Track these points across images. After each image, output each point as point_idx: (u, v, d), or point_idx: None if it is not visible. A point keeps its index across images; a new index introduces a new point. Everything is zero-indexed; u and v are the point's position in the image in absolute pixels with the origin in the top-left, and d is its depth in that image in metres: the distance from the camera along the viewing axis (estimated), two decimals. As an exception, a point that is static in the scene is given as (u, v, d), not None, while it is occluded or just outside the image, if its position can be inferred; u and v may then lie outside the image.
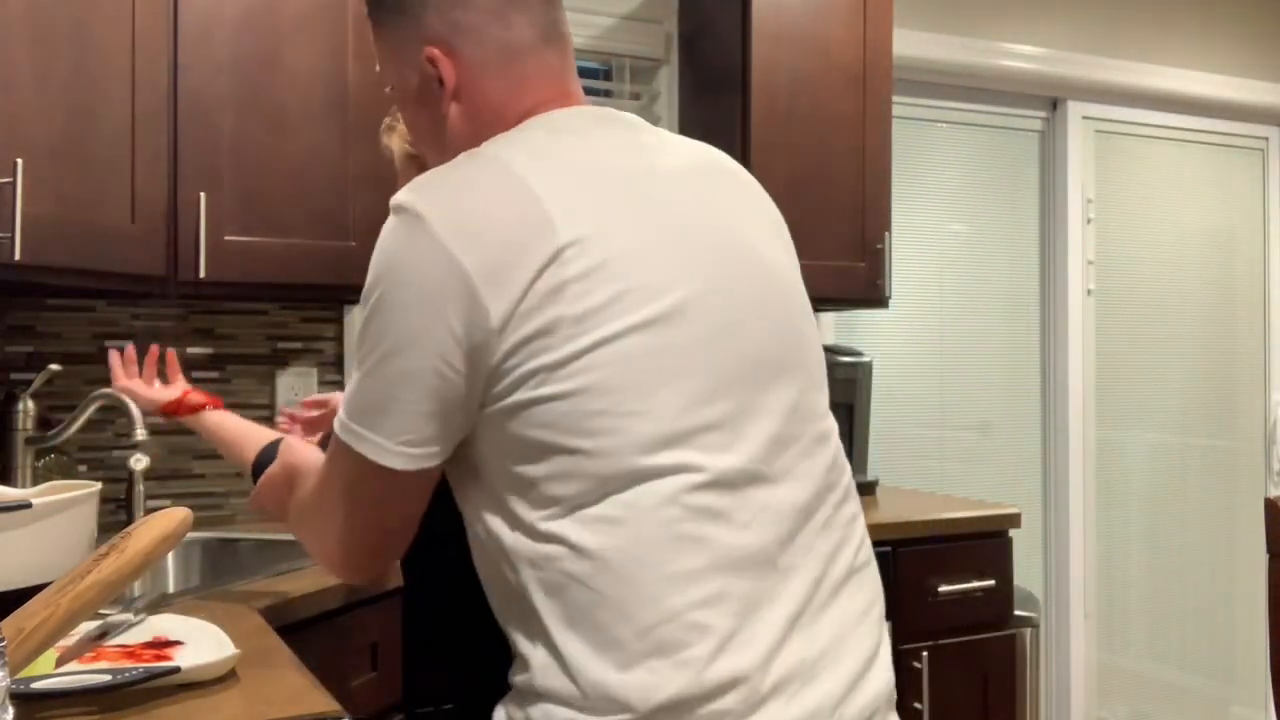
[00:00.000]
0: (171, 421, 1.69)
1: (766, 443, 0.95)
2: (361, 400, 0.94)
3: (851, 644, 0.97)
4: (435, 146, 1.08)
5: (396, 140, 1.48)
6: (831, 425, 1.05)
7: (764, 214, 1.10)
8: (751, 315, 0.98)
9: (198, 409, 1.63)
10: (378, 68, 1.12)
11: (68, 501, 1.29)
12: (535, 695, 0.92)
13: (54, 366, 1.98)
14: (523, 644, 0.94)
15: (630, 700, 0.87)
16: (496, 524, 0.94)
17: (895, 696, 1.03)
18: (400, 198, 0.93)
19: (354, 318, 2.39)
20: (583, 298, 0.89)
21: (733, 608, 0.89)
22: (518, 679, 0.95)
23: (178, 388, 1.69)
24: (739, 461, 0.93)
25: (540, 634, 0.91)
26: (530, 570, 0.91)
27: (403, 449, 0.92)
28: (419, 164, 1.40)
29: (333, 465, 0.99)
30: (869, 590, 1.02)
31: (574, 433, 0.89)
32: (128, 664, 1.10)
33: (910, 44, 2.95)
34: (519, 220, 0.91)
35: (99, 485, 1.40)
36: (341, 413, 0.96)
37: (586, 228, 0.91)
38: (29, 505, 1.23)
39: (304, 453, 1.17)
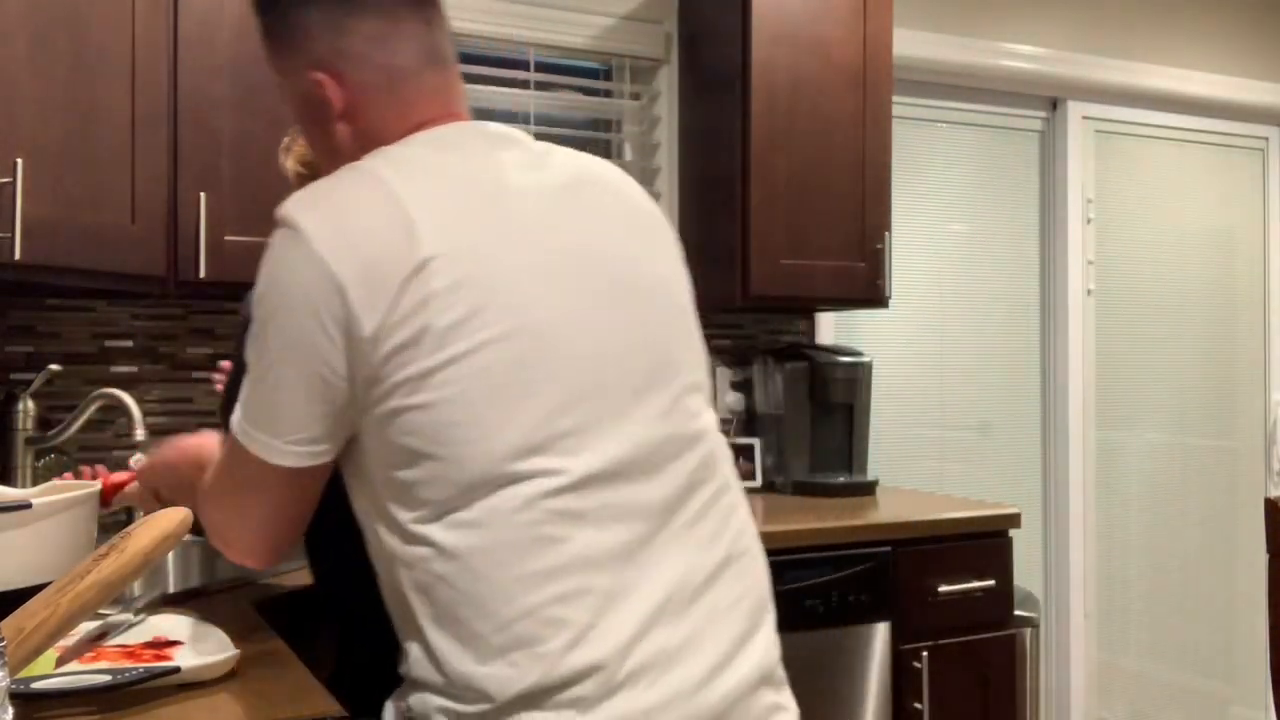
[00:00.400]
0: (172, 422, 1.68)
1: (630, 447, 1.00)
2: (254, 402, 1.01)
3: (720, 631, 1.01)
4: (328, 162, 1.14)
5: (291, 160, 1.55)
6: (706, 425, 1.10)
7: (638, 220, 1.14)
8: (616, 327, 1.03)
9: (121, 485, 1.53)
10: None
11: (68, 501, 1.29)
12: (413, 685, 1.01)
13: (54, 367, 1.98)
14: (403, 637, 1.03)
15: (490, 690, 0.94)
16: (379, 525, 1.01)
17: (779, 675, 1.10)
18: (282, 211, 1.00)
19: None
20: (446, 311, 0.95)
21: (591, 603, 0.95)
22: (401, 669, 1.03)
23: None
24: (598, 465, 0.98)
25: (415, 629, 0.99)
26: (405, 570, 0.99)
27: (292, 448, 1.00)
28: (310, 182, 1.46)
29: (229, 461, 1.06)
30: (747, 579, 1.07)
31: (437, 441, 0.95)
32: (128, 664, 1.10)
33: (910, 44, 2.95)
34: (388, 231, 0.96)
35: (99, 485, 1.40)
36: (237, 414, 1.03)
37: (452, 242, 0.97)
38: (29, 505, 1.23)
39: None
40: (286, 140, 1.58)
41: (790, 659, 2.10)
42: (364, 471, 1.02)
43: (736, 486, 1.11)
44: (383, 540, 1.01)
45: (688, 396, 1.08)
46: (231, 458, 1.05)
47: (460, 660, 0.95)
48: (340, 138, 1.11)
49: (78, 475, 1.67)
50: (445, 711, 0.97)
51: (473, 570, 0.95)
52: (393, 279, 0.94)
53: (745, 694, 1.02)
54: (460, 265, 0.96)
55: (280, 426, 0.99)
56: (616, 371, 1.02)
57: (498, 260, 0.99)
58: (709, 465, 1.07)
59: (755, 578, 1.08)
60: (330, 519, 1.30)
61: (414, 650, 1.00)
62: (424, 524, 0.97)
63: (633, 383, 1.03)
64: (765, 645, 1.07)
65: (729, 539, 1.06)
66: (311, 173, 1.45)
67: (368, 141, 1.09)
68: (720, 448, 1.11)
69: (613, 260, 1.07)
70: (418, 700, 0.99)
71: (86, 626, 1.22)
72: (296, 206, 1.00)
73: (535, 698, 0.93)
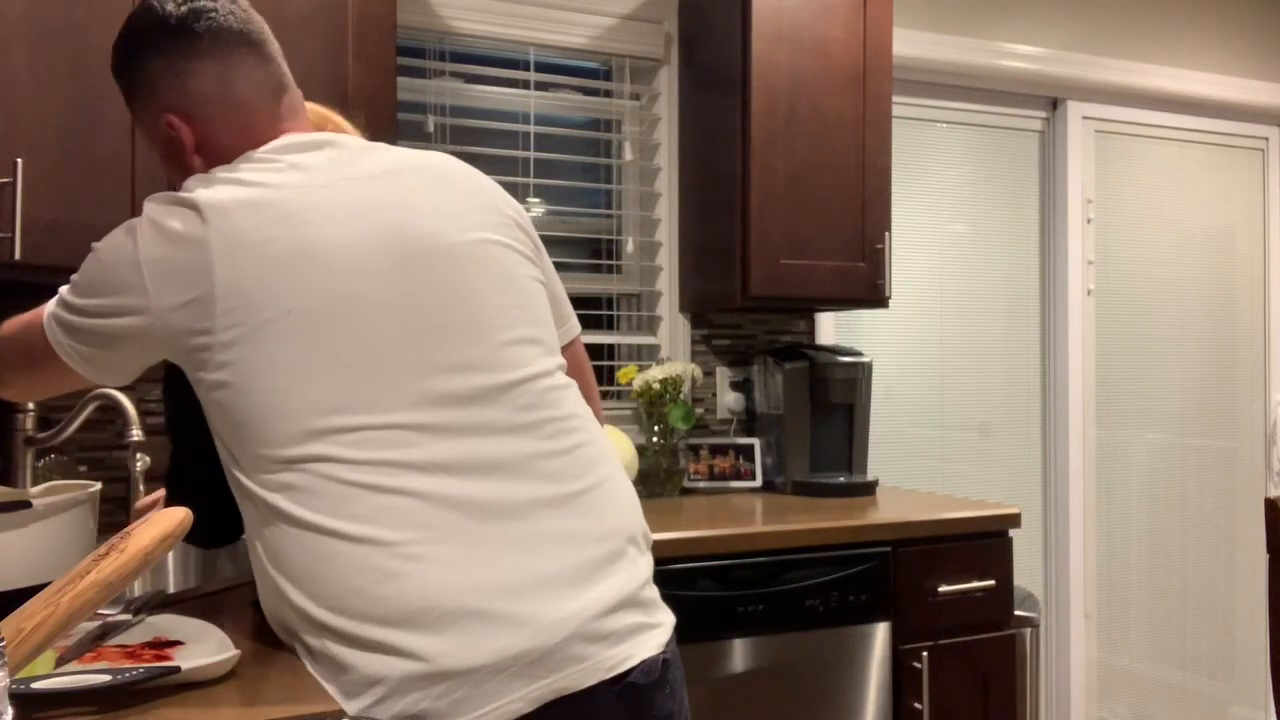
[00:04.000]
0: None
1: (434, 400, 1.12)
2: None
3: (570, 557, 1.12)
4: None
5: None
6: (533, 371, 1.20)
7: (452, 199, 1.24)
8: (411, 293, 1.14)
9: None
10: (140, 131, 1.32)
11: (68, 501, 1.29)
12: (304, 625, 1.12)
13: None
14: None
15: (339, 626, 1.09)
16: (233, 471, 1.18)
17: (643, 597, 1.19)
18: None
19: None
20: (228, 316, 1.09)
21: (423, 536, 1.07)
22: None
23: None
24: (406, 420, 1.10)
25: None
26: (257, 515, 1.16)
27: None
28: None
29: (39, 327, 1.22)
30: (598, 511, 1.18)
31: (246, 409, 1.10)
32: (128, 664, 1.10)
33: (910, 44, 2.95)
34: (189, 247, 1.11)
35: (99, 485, 1.40)
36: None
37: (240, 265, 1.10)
38: (29, 505, 1.23)
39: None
40: None
41: (790, 659, 2.11)
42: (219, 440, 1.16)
43: (586, 424, 1.23)
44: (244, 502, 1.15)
45: (509, 349, 1.19)
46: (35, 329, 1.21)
47: (301, 604, 1.08)
48: (196, 169, 1.23)
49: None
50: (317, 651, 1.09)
51: (302, 525, 1.08)
52: (180, 267, 1.10)
53: (600, 615, 1.11)
54: (240, 291, 1.09)
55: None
56: (413, 331, 1.13)
57: (302, 240, 1.11)
58: (536, 407, 1.18)
59: (603, 512, 1.18)
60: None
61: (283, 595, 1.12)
62: (250, 477, 1.10)
63: (442, 338, 1.14)
64: (628, 572, 1.17)
65: (572, 475, 1.17)
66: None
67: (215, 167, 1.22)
68: (558, 390, 1.22)
69: (414, 235, 1.17)
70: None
71: (86, 626, 1.22)
72: (134, 220, 1.16)
73: (375, 625, 1.05)
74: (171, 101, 1.23)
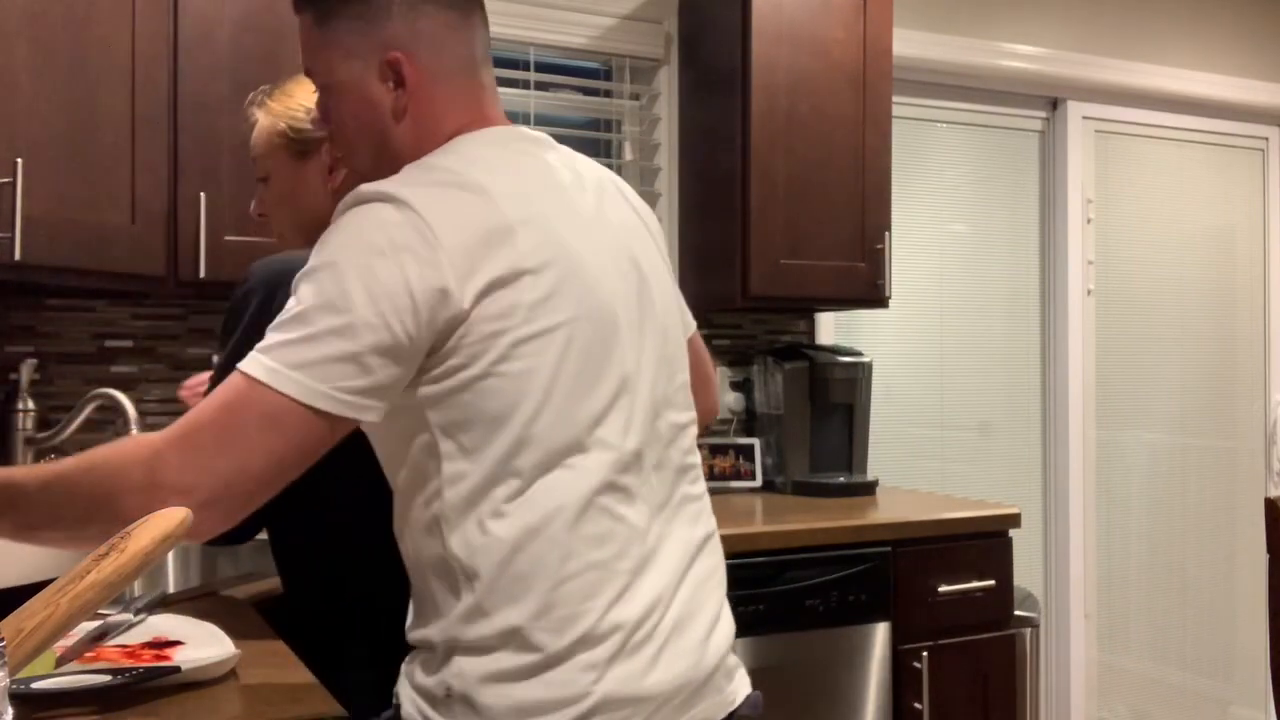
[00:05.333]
0: (172, 422, 1.68)
1: (652, 431, 1.10)
2: (293, 346, 0.97)
3: (707, 599, 1.14)
4: (367, 145, 1.13)
5: (267, 116, 1.45)
6: (694, 414, 1.21)
7: (647, 228, 1.22)
8: (647, 322, 1.12)
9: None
10: (307, 62, 1.14)
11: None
12: (447, 653, 1.05)
13: (31, 362, 2.00)
14: (439, 603, 1.07)
15: (541, 641, 1.02)
16: (419, 494, 1.07)
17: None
18: (367, 191, 1.02)
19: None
20: (534, 288, 1.02)
21: (629, 566, 1.05)
22: (424, 640, 1.08)
23: None
24: (634, 445, 1.07)
25: (455, 592, 1.05)
26: (453, 535, 1.05)
27: (337, 394, 0.97)
28: (287, 145, 1.41)
29: (231, 402, 0.96)
30: (717, 554, 1.19)
31: (518, 409, 1.03)
32: (128, 664, 1.10)
33: (910, 44, 2.95)
34: (477, 210, 1.02)
35: None
36: (256, 357, 0.96)
37: (536, 226, 1.03)
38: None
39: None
40: (256, 95, 1.48)
41: (790, 659, 2.11)
42: (414, 440, 1.02)
43: (701, 469, 1.22)
44: (426, 508, 1.03)
45: (686, 389, 1.19)
46: (237, 398, 0.95)
47: (507, 616, 1.00)
48: (399, 126, 1.10)
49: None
50: (489, 675, 1.00)
51: (534, 534, 1.00)
52: (483, 250, 0.99)
53: (725, 654, 1.14)
54: (545, 248, 1.02)
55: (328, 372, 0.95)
56: (650, 362, 1.11)
57: (571, 246, 1.05)
58: (693, 450, 1.18)
59: (721, 554, 1.20)
60: (300, 531, 1.32)
61: (455, 611, 1.02)
62: (487, 489, 1.00)
63: (660, 372, 1.12)
64: (729, 614, 1.18)
65: (706, 518, 1.17)
66: (299, 136, 1.41)
67: (422, 131, 1.10)
68: (695, 434, 1.21)
69: (638, 260, 1.14)
70: (451, 673, 1.01)
71: (86, 626, 1.22)
72: (386, 186, 1.00)
73: (582, 644, 1.00)
74: (402, 37, 1.08)
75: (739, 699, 1.15)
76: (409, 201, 0.98)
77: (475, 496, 1.01)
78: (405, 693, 1.06)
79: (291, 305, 0.97)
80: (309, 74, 1.16)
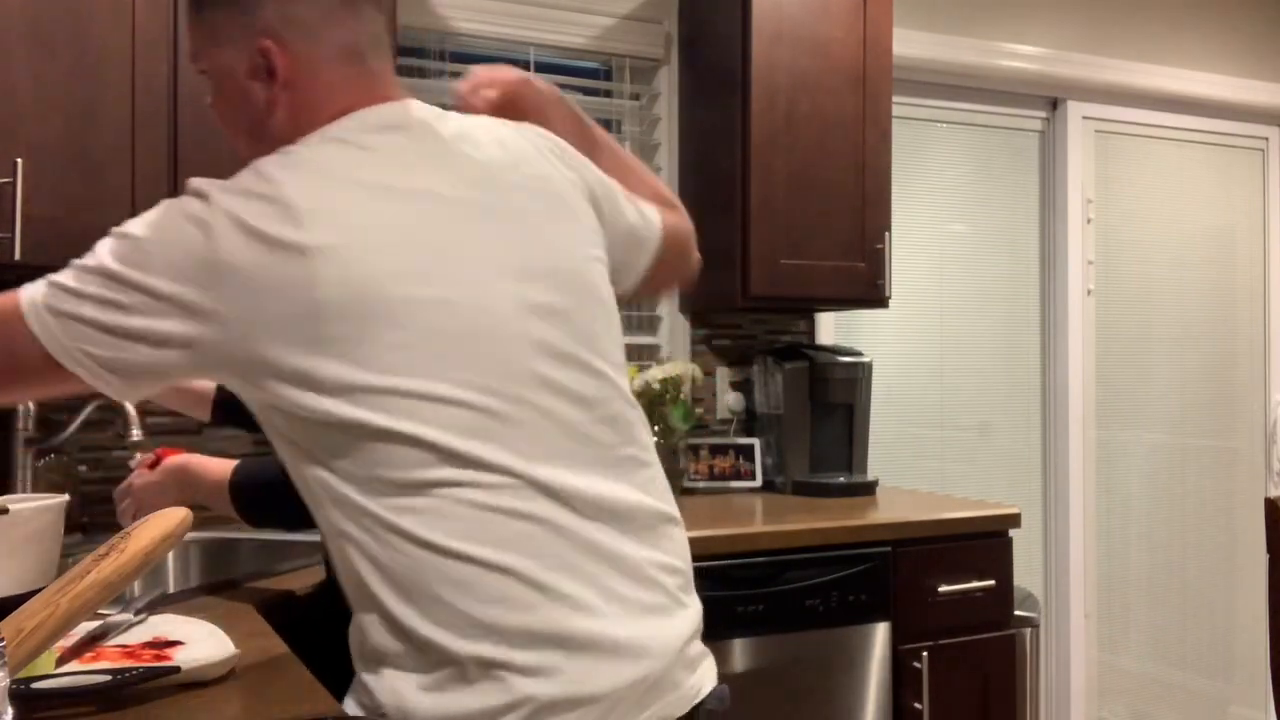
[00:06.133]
0: (172, 422, 1.68)
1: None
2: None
3: (667, 585, 1.09)
4: (243, 132, 1.13)
5: None
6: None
7: (561, 199, 1.15)
8: (541, 297, 1.06)
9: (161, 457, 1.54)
10: (189, 48, 1.13)
11: (36, 510, 1.29)
12: (375, 661, 1.01)
13: None
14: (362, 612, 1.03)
15: (450, 648, 0.97)
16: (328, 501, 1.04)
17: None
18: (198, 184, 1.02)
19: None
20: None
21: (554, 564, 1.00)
22: (360, 648, 1.03)
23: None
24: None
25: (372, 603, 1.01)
26: (358, 546, 1.02)
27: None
28: None
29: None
30: (679, 540, 1.14)
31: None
32: (128, 664, 1.10)
33: (910, 44, 2.95)
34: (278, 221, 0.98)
35: (65, 497, 1.39)
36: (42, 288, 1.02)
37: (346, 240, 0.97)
38: (5, 511, 1.24)
39: None
40: None
41: (790, 659, 2.11)
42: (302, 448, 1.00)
43: (654, 452, 1.15)
44: (332, 517, 1.00)
45: (610, 370, 1.11)
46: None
47: (421, 626, 0.95)
48: (276, 111, 1.08)
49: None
50: (424, 686, 0.96)
51: (434, 539, 0.96)
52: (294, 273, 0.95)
53: (689, 641, 1.09)
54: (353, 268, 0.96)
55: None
56: (536, 345, 1.04)
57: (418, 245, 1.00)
58: (623, 429, 1.10)
59: (682, 540, 1.14)
60: None
61: (372, 623, 0.99)
62: (380, 497, 0.96)
63: (561, 352, 1.05)
64: (696, 602, 1.14)
65: (660, 497, 1.11)
66: None
67: (301, 119, 1.07)
68: (635, 412, 1.13)
69: (540, 238, 1.09)
70: (378, 683, 0.98)
71: (86, 626, 1.22)
72: (208, 185, 1.00)
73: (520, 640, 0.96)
74: (274, 26, 1.05)
75: (703, 692, 1.10)
76: (219, 204, 0.98)
77: (364, 509, 0.97)
78: (350, 709, 1.03)
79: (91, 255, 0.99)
80: (191, 59, 1.14)
